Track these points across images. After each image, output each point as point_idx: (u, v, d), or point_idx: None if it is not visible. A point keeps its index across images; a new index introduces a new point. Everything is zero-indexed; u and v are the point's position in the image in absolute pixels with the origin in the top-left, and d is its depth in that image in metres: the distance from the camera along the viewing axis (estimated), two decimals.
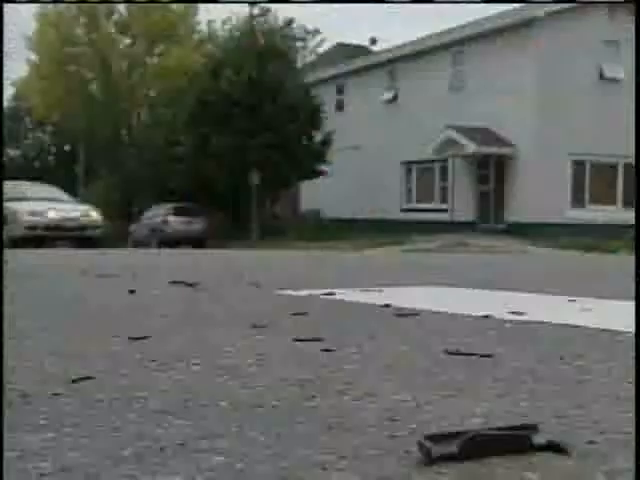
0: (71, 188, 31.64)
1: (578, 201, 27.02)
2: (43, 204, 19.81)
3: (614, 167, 27.33)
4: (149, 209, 31.57)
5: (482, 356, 2.40)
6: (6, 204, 19.41)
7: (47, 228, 19.15)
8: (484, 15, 36.71)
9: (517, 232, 25.17)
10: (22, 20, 43.31)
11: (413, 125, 29.72)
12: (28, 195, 20.38)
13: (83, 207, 21.20)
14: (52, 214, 19.51)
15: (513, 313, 3.57)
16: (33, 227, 19.02)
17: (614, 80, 26.63)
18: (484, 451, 1.34)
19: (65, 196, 22.02)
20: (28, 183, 23.86)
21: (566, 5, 26.24)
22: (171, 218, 29.32)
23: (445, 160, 29.26)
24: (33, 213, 19.33)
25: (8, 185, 21.61)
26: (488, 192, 27.97)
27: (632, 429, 1.53)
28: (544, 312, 3.67)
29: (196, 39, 44.08)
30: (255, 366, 2.23)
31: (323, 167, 31.52)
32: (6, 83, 44.52)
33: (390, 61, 32.35)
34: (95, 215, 20.71)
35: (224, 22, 38.50)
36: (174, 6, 41.57)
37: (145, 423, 1.58)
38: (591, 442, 1.45)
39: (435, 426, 1.56)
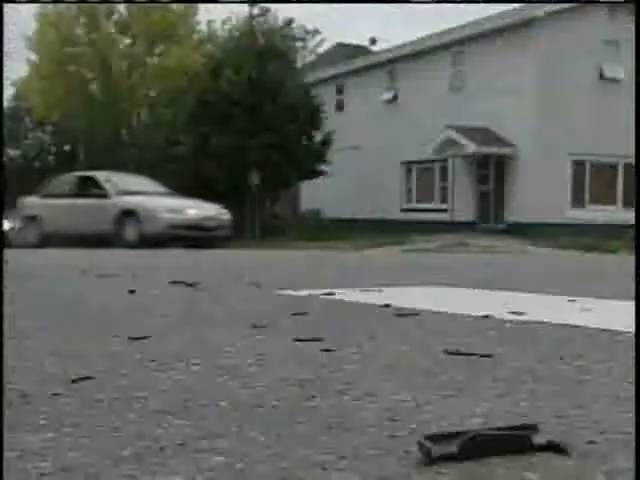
0: None
1: (578, 201, 27.01)
2: (178, 201, 18.67)
3: (614, 167, 27.32)
4: None
5: (482, 356, 2.40)
6: (125, 198, 18.18)
7: (187, 227, 17.82)
8: (484, 15, 36.65)
9: (517, 232, 25.16)
10: (22, 20, 43.38)
11: (413, 125, 29.71)
12: (135, 189, 18.84)
13: (213, 205, 19.67)
14: (192, 212, 18.25)
15: (513, 313, 3.57)
16: (175, 226, 17.63)
17: (614, 80, 26.62)
18: (484, 451, 1.34)
19: (174, 193, 20.33)
20: (121, 174, 21.78)
21: (566, 5, 26.25)
22: None
23: (445, 160, 29.26)
24: (173, 210, 17.96)
25: (100, 175, 20.06)
26: (488, 192, 27.96)
27: (632, 429, 1.53)
28: (544, 312, 3.67)
29: (196, 39, 44.03)
30: (255, 366, 2.23)
31: (323, 167, 31.49)
32: (6, 83, 44.48)
33: (390, 61, 32.34)
34: (227, 214, 19.45)
35: (224, 22, 38.56)
36: (174, 6, 41.54)
37: (145, 423, 1.58)
38: (591, 442, 1.45)
39: (435, 426, 1.56)
